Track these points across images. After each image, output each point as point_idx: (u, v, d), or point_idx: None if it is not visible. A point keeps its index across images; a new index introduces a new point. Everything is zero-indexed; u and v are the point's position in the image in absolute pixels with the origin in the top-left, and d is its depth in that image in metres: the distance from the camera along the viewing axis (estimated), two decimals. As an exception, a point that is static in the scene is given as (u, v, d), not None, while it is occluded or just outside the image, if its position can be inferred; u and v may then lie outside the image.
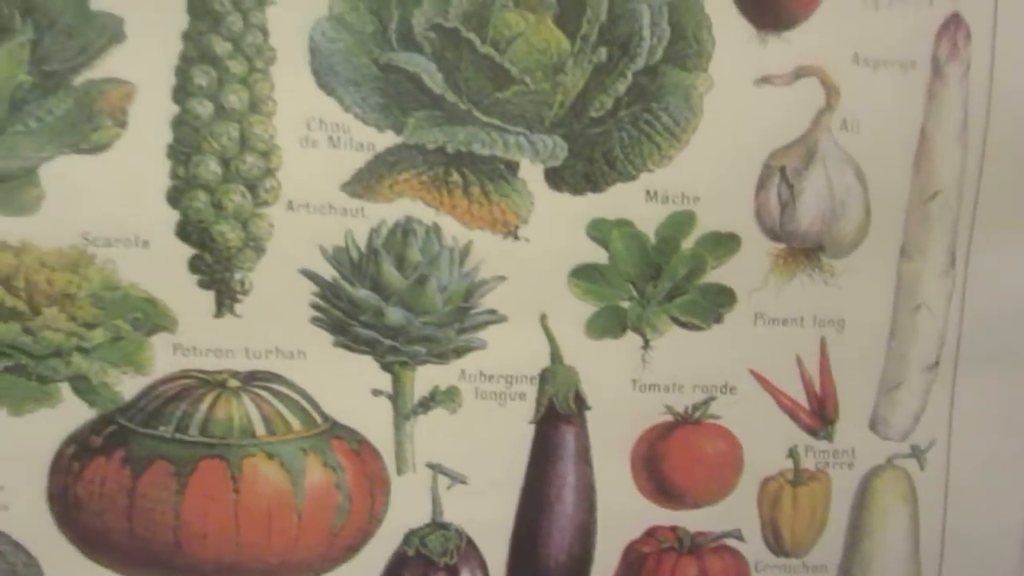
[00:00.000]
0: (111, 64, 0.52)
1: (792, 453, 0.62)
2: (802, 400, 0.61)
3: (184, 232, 0.54)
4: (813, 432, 0.62)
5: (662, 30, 0.55)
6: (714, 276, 0.59)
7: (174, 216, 0.54)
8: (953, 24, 0.57)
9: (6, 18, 0.51)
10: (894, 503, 0.63)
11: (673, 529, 0.62)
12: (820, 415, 0.61)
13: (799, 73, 0.57)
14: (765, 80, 0.56)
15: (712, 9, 0.56)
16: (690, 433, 0.60)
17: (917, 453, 0.62)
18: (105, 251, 0.54)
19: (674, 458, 0.60)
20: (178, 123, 0.53)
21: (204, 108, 0.53)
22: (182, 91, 0.53)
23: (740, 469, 0.62)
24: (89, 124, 0.52)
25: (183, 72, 0.53)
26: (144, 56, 0.52)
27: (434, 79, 0.54)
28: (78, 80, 0.52)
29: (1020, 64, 0.58)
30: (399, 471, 0.59)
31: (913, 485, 0.63)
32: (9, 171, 0.52)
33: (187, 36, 0.53)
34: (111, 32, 0.52)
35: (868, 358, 0.61)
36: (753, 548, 0.62)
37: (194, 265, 0.55)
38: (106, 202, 0.53)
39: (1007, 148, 0.59)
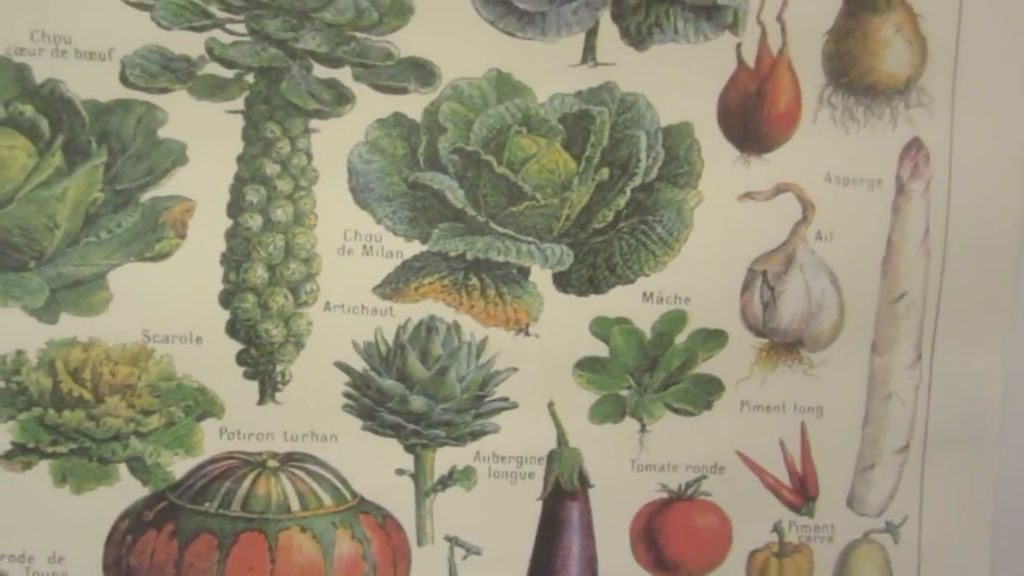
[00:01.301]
0: (175, 183, 0.66)
1: (777, 528, 0.74)
2: (785, 479, 0.74)
3: (233, 329, 0.68)
4: (796, 509, 0.74)
5: (657, 152, 0.69)
6: (704, 368, 0.72)
7: (225, 315, 0.68)
8: (914, 147, 0.72)
9: (84, 144, 0.65)
10: (871, 574, 0.76)
11: (668, 598, 0.75)
12: (802, 493, 0.74)
13: (778, 190, 0.71)
14: (748, 196, 0.70)
15: (701, 134, 0.69)
16: (684, 509, 0.73)
17: (891, 528, 0.75)
18: (163, 346, 0.67)
19: (669, 532, 0.73)
20: (231, 234, 0.67)
21: (254, 221, 0.67)
22: (236, 206, 0.67)
23: (729, 542, 0.74)
24: (153, 235, 0.66)
25: (237, 190, 0.67)
26: (204, 176, 0.66)
27: (456, 195, 0.68)
28: (145, 197, 0.66)
29: (974, 180, 0.72)
30: (419, 543, 0.71)
31: (888, 558, 0.75)
32: (82, 276, 0.66)
33: (241, 159, 0.67)
34: (175, 156, 0.66)
35: (845, 441, 0.74)
36: (742, 616, 0.75)
37: (241, 358, 0.68)
38: (166, 303, 0.67)
39: (965, 255, 0.72)
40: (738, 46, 0.69)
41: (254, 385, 0.69)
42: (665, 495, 0.73)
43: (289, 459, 0.70)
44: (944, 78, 0.71)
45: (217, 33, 0.66)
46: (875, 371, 0.73)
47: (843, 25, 0.70)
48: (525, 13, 0.67)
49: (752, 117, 0.70)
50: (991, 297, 0.73)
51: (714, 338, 0.71)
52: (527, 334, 0.70)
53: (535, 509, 0.72)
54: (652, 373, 0.71)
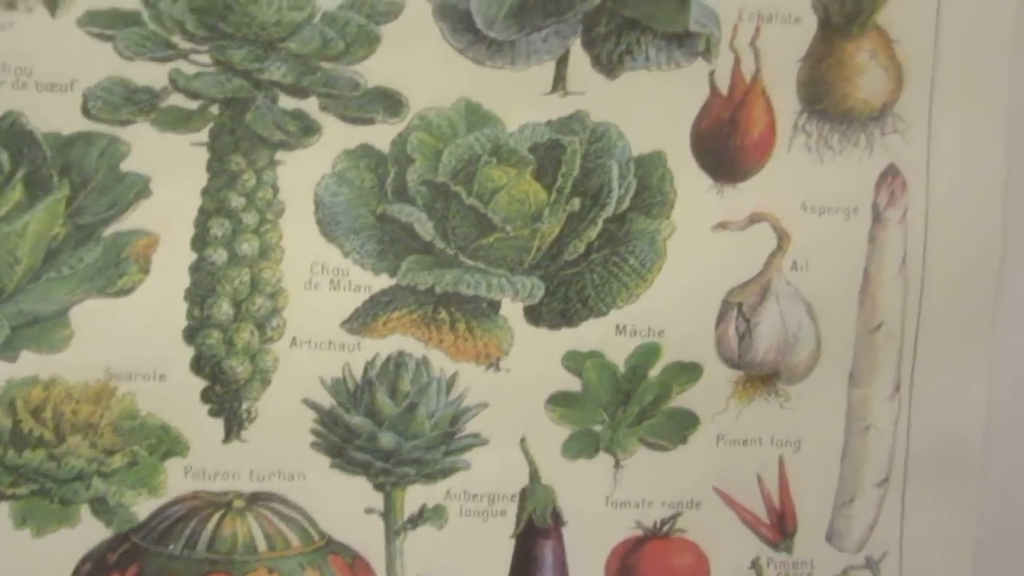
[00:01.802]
0: (138, 217, 0.69)
1: (755, 565, 0.77)
2: (763, 515, 0.77)
3: (198, 366, 0.71)
4: (774, 545, 0.77)
5: (629, 182, 0.73)
6: (679, 401, 0.75)
7: (189, 352, 0.71)
8: (890, 174, 0.75)
9: (46, 177, 0.68)
10: (852, 611, 0.80)
11: (645, 638, 0.78)
12: (780, 529, 0.77)
13: (752, 219, 0.74)
14: (722, 226, 0.74)
15: (674, 163, 0.73)
16: (659, 546, 0.76)
17: (871, 564, 0.78)
18: (126, 384, 0.70)
19: (645, 570, 0.76)
20: (195, 269, 0.70)
21: (219, 255, 0.70)
22: (200, 240, 0.70)
23: (707, 580, 0.78)
24: (116, 270, 0.69)
25: (201, 223, 0.70)
26: (167, 210, 0.70)
27: (425, 227, 0.71)
28: (108, 232, 0.69)
29: (952, 207, 0.75)
30: (390, 584, 0.75)
31: (869, 594, 0.80)
32: (43, 313, 0.69)
33: (206, 192, 0.70)
34: (139, 189, 0.69)
35: (823, 475, 0.77)
36: (721, 655, 0.78)
37: (206, 396, 0.71)
38: (129, 340, 0.70)
39: (944, 283, 0.76)
40: (711, 73, 0.73)
41: (219, 423, 0.72)
42: (640, 532, 0.76)
43: (256, 499, 0.72)
44: (920, 104, 0.75)
45: (181, 64, 0.69)
46: (853, 403, 0.77)
47: (817, 51, 0.74)
48: (494, 42, 0.71)
49: (726, 145, 0.74)
50: (971, 326, 0.77)
51: (689, 371, 0.75)
52: (498, 369, 0.73)
53: (508, 547, 0.75)
54: (626, 407, 0.75)
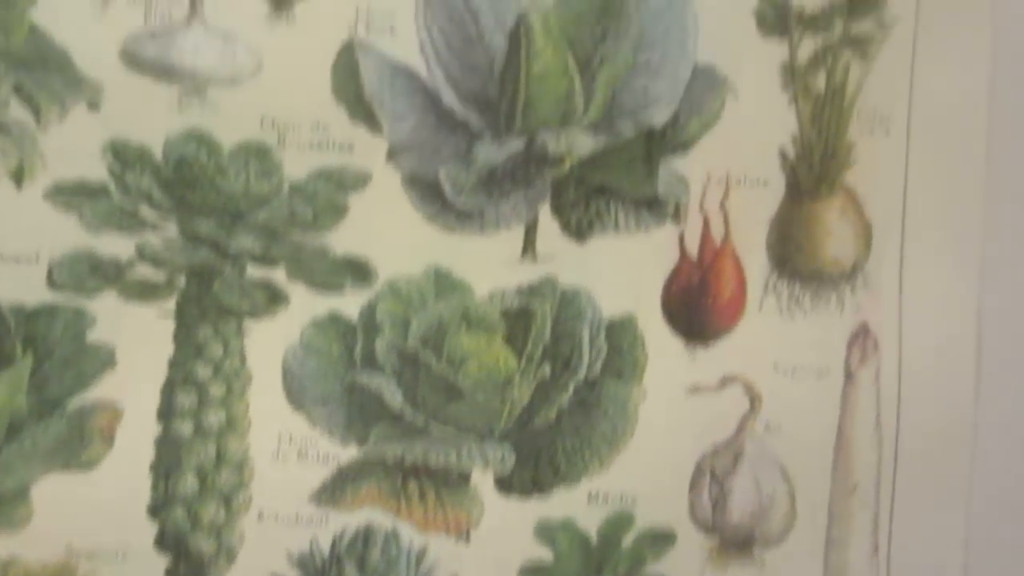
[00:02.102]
0: (102, 388, 0.71)
1: None
2: None
3: (162, 542, 0.71)
4: None
5: (600, 347, 0.75)
6: (653, 570, 0.75)
7: (154, 528, 0.71)
8: (862, 334, 0.77)
9: (9, 349, 0.70)
10: None
11: None
12: None
13: (725, 382, 0.76)
14: (694, 389, 0.76)
15: (645, 327, 0.75)
16: None
17: None
18: (88, 562, 0.70)
19: None
20: (161, 442, 0.71)
21: (185, 428, 0.71)
22: (166, 412, 0.71)
23: None
24: (79, 444, 0.70)
25: (167, 394, 0.71)
26: (133, 381, 0.71)
27: (394, 397, 0.72)
28: (72, 404, 0.70)
29: (924, 365, 0.77)
30: None
31: None
32: (3, 490, 0.70)
33: (172, 363, 0.71)
34: (104, 360, 0.70)
35: (803, 644, 0.78)
36: None
37: (170, 573, 0.71)
38: (91, 516, 0.70)
39: (918, 441, 0.77)
40: (680, 236, 0.75)
41: (183, 601, 0.72)
42: None
43: None
44: (890, 262, 0.77)
45: (147, 235, 0.71)
46: (830, 566, 0.77)
47: (786, 212, 0.77)
48: (463, 209, 0.73)
49: (696, 308, 0.75)
50: (947, 484, 0.78)
51: (662, 539, 0.75)
52: (468, 540, 0.74)
53: None
54: (600, 577, 0.75)
